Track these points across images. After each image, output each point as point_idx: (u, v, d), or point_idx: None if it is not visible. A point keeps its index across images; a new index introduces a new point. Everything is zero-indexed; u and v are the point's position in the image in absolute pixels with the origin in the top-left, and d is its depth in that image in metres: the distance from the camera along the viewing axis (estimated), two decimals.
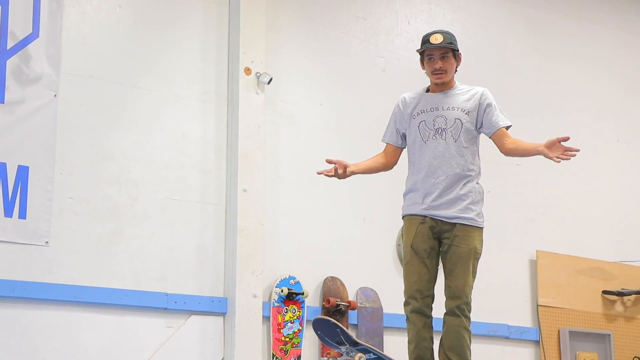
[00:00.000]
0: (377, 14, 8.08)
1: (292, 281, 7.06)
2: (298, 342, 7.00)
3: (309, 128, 7.51)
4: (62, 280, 6.22)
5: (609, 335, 8.58)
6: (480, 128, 5.28)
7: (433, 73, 5.25)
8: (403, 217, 5.31)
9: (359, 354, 5.29)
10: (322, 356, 7.12)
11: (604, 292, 8.70)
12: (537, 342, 8.34)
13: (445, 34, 5.26)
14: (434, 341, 5.21)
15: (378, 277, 7.54)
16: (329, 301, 7.12)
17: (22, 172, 6.19)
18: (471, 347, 5.17)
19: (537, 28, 8.97)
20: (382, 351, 6.21)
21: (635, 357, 8.65)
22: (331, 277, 7.32)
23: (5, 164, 6.14)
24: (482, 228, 5.21)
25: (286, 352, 6.94)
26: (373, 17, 8.05)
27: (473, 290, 5.19)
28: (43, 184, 6.24)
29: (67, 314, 6.23)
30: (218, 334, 6.78)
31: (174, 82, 6.93)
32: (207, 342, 6.73)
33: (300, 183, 7.36)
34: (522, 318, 8.33)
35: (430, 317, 5.19)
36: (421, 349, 5.16)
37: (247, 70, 7.06)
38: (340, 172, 5.28)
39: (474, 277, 5.17)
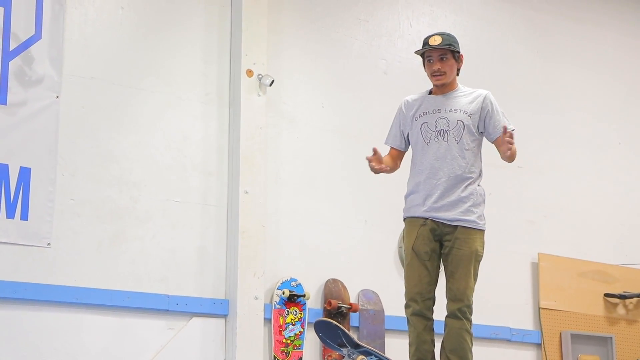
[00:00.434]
0: (379, 16, 8.08)
1: (293, 283, 7.06)
2: (299, 344, 7.00)
3: (310, 130, 7.51)
4: (63, 281, 6.22)
5: (611, 338, 8.56)
6: (482, 132, 5.28)
7: (432, 75, 5.26)
8: (404, 220, 5.31)
9: (361, 356, 5.28)
10: (324, 358, 7.12)
11: (606, 294, 8.69)
12: (538, 345, 8.33)
13: (445, 36, 5.26)
14: (435, 344, 5.21)
15: (380, 279, 7.53)
16: (330, 303, 7.12)
17: (24, 174, 6.20)
18: (473, 350, 5.17)
19: (539, 30, 8.96)
20: (384, 353, 6.21)
21: (638, 359, 8.64)
22: (333, 279, 7.32)
23: (7, 165, 6.15)
24: (484, 230, 5.21)
25: (287, 354, 6.94)
26: (375, 19, 8.05)
27: (475, 293, 5.19)
28: (45, 186, 6.25)
29: (69, 316, 6.23)
30: (219, 336, 6.78)
31: (176, 83, 6.94)
32: (208, 344, 6.73)
33: (301, 185, 7.36)
34: (524, 321, 8.32)
35: (431, 319, 5.19)
36: (422, 351, 5.16)
37: (249, 72, 7.06)
38: (377, 167, 5.21)
39: (475, 279, 5.16)
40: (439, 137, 5.20)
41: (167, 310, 6.59)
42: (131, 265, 6.52)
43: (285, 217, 7.23)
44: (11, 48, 6.28)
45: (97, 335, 6.32)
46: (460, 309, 5.09)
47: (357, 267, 7.50)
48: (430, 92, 5.37)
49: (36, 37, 6.38)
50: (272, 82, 7.07)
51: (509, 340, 8.17)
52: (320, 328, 5.33)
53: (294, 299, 7.00)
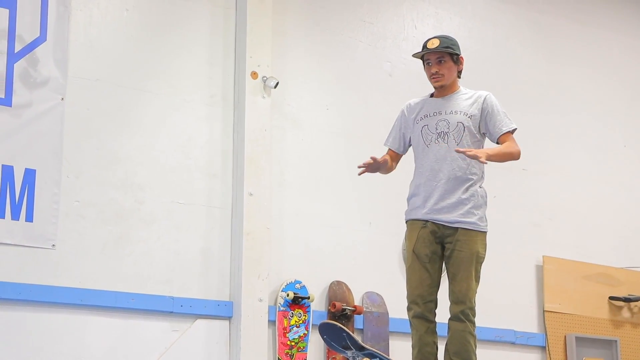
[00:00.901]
0: (383, 18, 8.09)
1: (298, 285, 7.06)
2: (304, 347, 7.00)
3: (315, 132, 7.51)
4: (68, 283, 6.23)
5: (616, 341, 8.55)
6: (484, 133, 5.29)
7: (431, 77, 5.28)
8: (406, 222, 5.33)
9: (365, 359, 5.28)
10: None
11: (611, 298, 8.68)
12: (543, 348, 8.32)
13: (443, 39, 5.27)
14: (439, 346, 5.20)
15: (384, 281, 7.53)
16: (334, 305, 7.12)
17: (29, 175, 6.20)
18: (477, 353, 5.16)
19: (544, 33, 8.96)
20: (388, 356, 6.20)
21: None
22: (337, 281, 7.32)
23: (12, 167, 6.16)
24: (485, 232, 5.21)
25: (292, 356, 6.94)
26: (379, 21, 8.05)
27: (479, 296, 5.18)
28: (50, 187, 6.25)
29: (73, 317, 6.24)
30: (224, 337, 6.78)
31: (181, 85, 6.94)
32: (212, 346, 6.73)
33: (306, 187, 7.36)
34: (529, 323, 8.31)
35: (434, 322, 5.19)
36: (424, 354, 5.16)
37: (254, 74, 7.06)
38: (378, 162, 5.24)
39: (477, 281, 5.16)
40: (439, 139, 5.21)
41: (172, 312, 6.59)
42: (136, 267, 6.53)
43: (289, 219, 7.23)
44: (16, 50, 6.29)
45: (101, 336, 6.32)
46: (462, 312, 5.08)
47: (361, 269, 7.49)
48: (432, 95, 5.38)
49: (41, 39, 6.39)
50: (277, 84, 7.07)
51: (513, 343, 8.16)
52: (325, 330, 5.33)
53: (298, 301, 7.00)
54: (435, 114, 5.27)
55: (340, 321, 6.90)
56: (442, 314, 5.22)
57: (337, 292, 7.25)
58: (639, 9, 9.63)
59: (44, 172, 6.25)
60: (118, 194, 6.54)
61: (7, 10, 6.28)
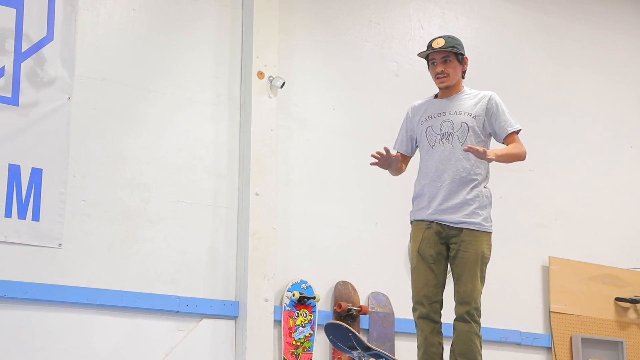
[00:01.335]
0: (390, 18, 8.08)
1: (303, 285, 7.06)
2: (309, 347, 7.00)
3: (321, 132, 7.51)
4: (74, 282, 6.24)
5: (622, 342, 8.54)
6: (490, 133, 5.28)
7: (436, 77, 5.27)
8: (411, 223, 5.33)
9: (371, 359, 5.28)
10: None
11: (617, 299, 8.67)
12: (549, 349, 8.31)
13: (448, 38, 5.27)
14: (445, 347, 5.20)
15: (389, 281, 7.53)
16: (340, 305, 7.12)
17: (36, 175, 6.21)
18: (482, 353, 5.16)
19: (551, 33, 8.95)
20: (394, 356, 6.20)
21: None
22: (343, 281, 7.32)
23: (19, 166, 6.17)
24: (490, 232, 5.20)
25: (297, 356, 6.94)
26: (386, 21, 8.05)
27: (485, 296, 5.18)
28: (56, 187, 6.26)
29: (79, 316, 6.25)
30: (229, 337, 6.79)
31: (187, 85, 6.95)
32: (218, 345, 6.74)
33: (312, 187, 7.36)
34: (534, 324, 8.30)
35: (439, 322, 5.19)
36: (430, 354, 5.16)
37: (260, 74, 7.07)
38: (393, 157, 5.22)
39: (482, 282, 5.16)
40: (443, 139, 5.20)
41: (177, 312, 6.60)
42: (142, 266, 6.53)
43: (295, 219, 7.23)
44: (23, 49, 6.30)
45: (107, 336, 6.33)
46: (468, 312, 5.08)
47: (367, 270, 7.49)
48: (436, 96, 5.38)
49: (48, 39, 6.40)
50: (283, 84, 7.07)
51: (519, 344, 8.16)
52: (331, 330, 5.33)
53: (304, 301, 7.00)
54: (439, 114, 5.27)
55: (346, 321, 6.90)
56: (448, 314, 5.21)
57: (342, 292, 7.25)
58: None
59: (50, 171, 6.26)
60: (124, 193, 6.55)
61: (14, 9, 6.29)
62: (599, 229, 8.84)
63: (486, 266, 5.16)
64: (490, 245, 5.18)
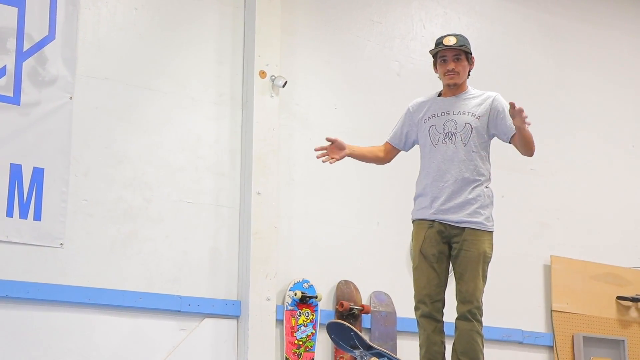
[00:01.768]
0: (392, 18, 8.08)
1: (305, 284, 7.06)
2: (311, 346, 7.00)
3: (323, 131, 7.46)
4: (76, 282, 6.24)
5: (624, 341, 8.54)
6: (494, 134, 5.28)
7: (446, 74, 5.26)
8: (412, 222, 5.33)
9: (373, 358, 5.28)
10: None
11: (618, 297, 8.67)
12: (551, 348, 8.31)
13: (459, 37, 5.28)
14: (447, 346, 5.20)
15: (391, 281, 7.53)
16: (342, 305, 7.12)
17: (37, 174, 6.21)
18: (484, 352, 5.16)
19: (553, 33, 8.94)
20: (396, 355, 6.20)
21: None
22: (345, 280, 7.31)
23: (20, 165, 6.16)
24: (492, 232, 5.21)
25: (299, 355, 6.94)
26: (388, 21, 8.04)
27: (487, 295, 5.19)
28: (58, 186, 6.26)
29: (81, 316, 6.25)
30: (231, 337, 6.79)
31: (189, 84, 6.94)
32: (220, 345, 6.73)
33: (314, 186, 7.36)
34: (536, 323, 8.30)
35: (441, 321, 5.19)
36: (432, 353, 5.16)
37: (262, 74, 7.06)
38: (336, 157, 5.36)
39: (484, 281, 5.16)
40: (446, 139, 5.20)
41: (179, 311, 6.60)
42: (143, 266, 6.53)
43: (297, 218, 7.23)
44: (25, 48, 6.30)
45: (109, 335, 6.33)
46: (470, 311, 5.08)
47: (369, 269, 7.49)
48: (440, 95, 5.37)
49: (50, 38, 6.40)
50: (285, 83, 7.07)
51: (521, 343, 8.16)
52: (333, 329, 5.33)
53: (306, 301, 7.00)
54: (443, 113, 5.27)
55: (348, 320, 6.90)
56: (449, 313, 5.21)
57: (344, 291, 7.25)
58: None
59: (52, 170, 6.26)
60: (126, 192, 6.55)
61: (16, 8, 6.29)
62: (600, 228, 8.84)
63: (488, 265, 5.17)
64: (492, 244, 5.19)
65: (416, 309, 5.21)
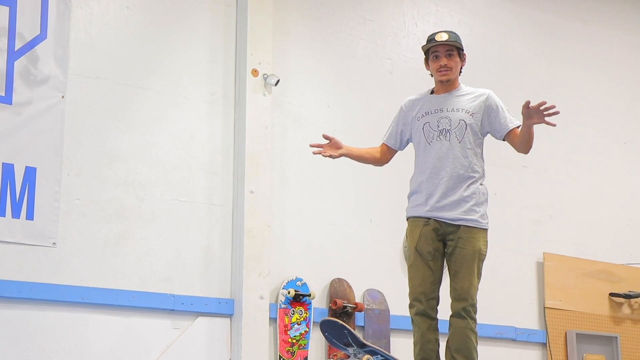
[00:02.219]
0: (384, 16, 8.08)
1: (298, 283, 7.06)
2: (305, 344, 7.00)
3: (316, 130, 7.49)
4: (69, 281, 6.23)
5: (616, 337, 8.56)
6: (488, 131, 5.29)
7: (438, 70, 5.25)
8: (407, 219, 5.33)
9: (367, 356, 5.29)
10: (329, 358, 7.11)
11: (611, 294, 8.69)
12: (544, 345, 8.33)
13: (451, 33, 5.29)
14: (440, 343, 5.21)
15: (385, 278, 7.54)
16: (335, 303, 7.12)
17: (30, 173, 6.20)
18: (478, 349, 5.17)
19: (545, 31, 8.96)
20: (389, 353, 6.20)
21: None
22: (338, 278, 7.32)
23: (12, 165, 6.15)
24: (487, 229, 5.21)
25: (293, 353, 6.94)
26: (380, 19, 8.05)
27: (480, 292, 5.19)
28: (50, 185, 6.25)
29: (74, 315, 6.24)
30: (225, 335, 6.79)
31: (182, 83, 6.94)
32: (213, 343, 6.73)
33: (307, 185, 7.36)
34: (529, 320, 8.32)
35: (436, 319, 5.19)
36: (426, 351, 5.16)
37: (255, 72, 7.06)
38: (334, 154, 5.36)
39: (479, 278, 5.17)
40: (441, 136, 5.20)
41: (173, 310, 6.60)
42: (137, 264, 6.53)
43: (290, 216, 7.23)
44: (16, 48, 6.28)
45: (102, 334, 6.32)
46: (464, 308, 5.09)
47: (362, 267, 7.50)
48: (432, 92, 5.38)
49: (41, 37, 6.38)
50: (278, 81, 7.07)
51: (514, 340, 8.17)
52: (326, 327, 5.34)
53: (299, 299, 7.00)
54: (436, 111, 5.27)
55: (342, 318, 6.90)
56: (444, 311, 5.22)
57: (338, 289, 7.25)
58: None
59: (44, 170, 6.25)
60: (119, 191, 6.54)
61: (8, 8, 6.28)
62: (593, 225, 8.85)
63: (482, 263, 5.17)
64: (486, 242, 5.19)
65: (411, 306, 5.21)
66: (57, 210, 6.25)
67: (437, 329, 5.20)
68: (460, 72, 5.36)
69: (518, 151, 5.31)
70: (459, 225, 5.12)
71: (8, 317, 6.02)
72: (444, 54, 5.24)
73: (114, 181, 6.53)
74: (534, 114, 5.02)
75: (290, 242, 7.20)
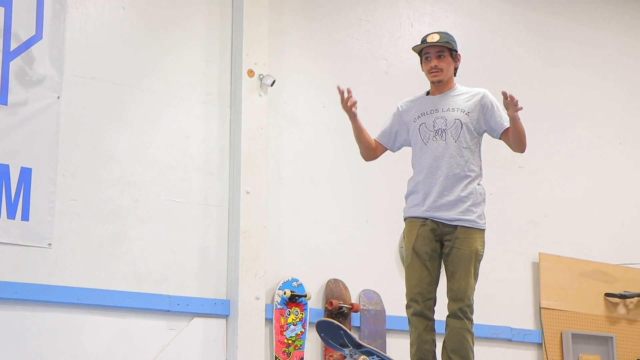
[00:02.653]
0: (380, 16, 8.08)
1: (294, 283, 7.06)
2: (301, 345, 7.00)
3: (311, 130, 7.51)
4: (64, 282, 6.22)
5: (612, 337, 8.57)
6: (485, 130, 5.29)
7: (429, 72, 5.28)
8: (404, 220, 5.32)
9: (363, 356, 5.29)
10: (325, 358, 7.11)
11: (607, 294, 8.70)
12: (539, 345, 8.33)
13: (442, 34, 5.30)
14: (437, 344, 5.21)
15: (381, 279, 7.53)
16: (331, 303, 7.12)
17: (25, 174, 6.19)
18: (474, 350, 5.17)
19: (540, 31, 8.96)
20: (385, 353, 6.20)
21: (638, 359, 8.64)
22: (334, 279, 7.32)
23: (8, 165, 6.14)
24: (484, 230, 5.22)
25: (289, 354, 6.94)
26: (376, 19, 8.05)
27: (476, 293, 5.19)
28: (46, 186, 6.24)
29: (70, 316, 6.23)
30: (220, 336, 6.78)
31: (177, 83, 6.93)
32: (209, 344, 6.73)
33: (303, 185, 7.36)
34: (525, 320, 8.32)
35: (432, 319, 5.19)
36: (422, 351, 5.16)
37: (250, 72, 7.06)
38: (354, 109, 5.32)
39: (476, 279, 5.17)
40: (437, 136, 5.21)
41: (168, 311, 6.59)
42: (132, 265, 6.52)
43: (286, 217, 7.23)
44: (12, 48, 6.27)
45: (98, 335, 6.32)
46: (461, 309, 5.09)
47: (358, 267, 7.49)
48: (428, 93, 5.39)
49: (37, 37, 6.37)
50: (274, 82, 7.07)
51: (510, 340, 8.18)
52: (322, 328, 5.33)
53: (295, 299, 7.00)
54: (432, 111, 5.28)
55: (337, 319, 6.89)
56: (440, 311, 5.22)
57: (334, 290, 7.25)
58: (636, 7, 9.63)
59: (39, 170, 6.24)
60: (114, 192, 6.53)
61: (3, 8, 6.27)
62: (588, 225, 8.86)
63: (480, 263, 5.18)
64: (483, 242, 5.20)
65: (408, 307, 5.21)
66: (53, 211, 6.24)
67: (434, 330, 5.20)
68: (455, 72, 5.36)
69: (514, 150, 5.33)
70: (456, 226, 5.13)
71: (3, 318, 6.01)
72: (434, 55, 5.25)
73: (110, 182, 6.53)
74: (508, 106, 5.04)
75: (286, 242, 7.20)
